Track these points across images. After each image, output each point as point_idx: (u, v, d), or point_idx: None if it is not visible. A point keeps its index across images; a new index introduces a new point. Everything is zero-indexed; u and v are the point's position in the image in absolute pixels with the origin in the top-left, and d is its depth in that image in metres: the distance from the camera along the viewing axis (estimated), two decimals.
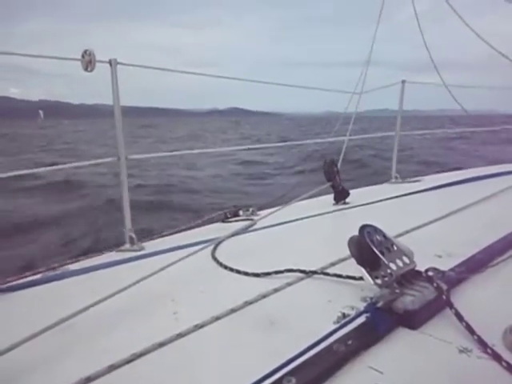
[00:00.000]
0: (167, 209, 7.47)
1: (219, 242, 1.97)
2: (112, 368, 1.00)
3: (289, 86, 3.63)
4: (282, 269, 1.55)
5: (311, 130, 35.13)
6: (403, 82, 3.63)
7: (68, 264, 1.85)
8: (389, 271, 1.22)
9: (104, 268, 1.75)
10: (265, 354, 1.05)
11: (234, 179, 11.73)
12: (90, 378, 0.96)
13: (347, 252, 1.34)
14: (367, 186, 3.66)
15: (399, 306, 1.13)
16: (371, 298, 1.16)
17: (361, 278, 1.34)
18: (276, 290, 1.42)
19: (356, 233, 1.32)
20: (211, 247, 1.89)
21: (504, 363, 0.95)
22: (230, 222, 2.54)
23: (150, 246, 2.08)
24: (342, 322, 1.11)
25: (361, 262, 1.28)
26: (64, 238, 5.63)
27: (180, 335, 1.14)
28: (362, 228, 1.31)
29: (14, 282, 1.62)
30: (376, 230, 1.32)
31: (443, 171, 5.11)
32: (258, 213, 2.65)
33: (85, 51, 1.85)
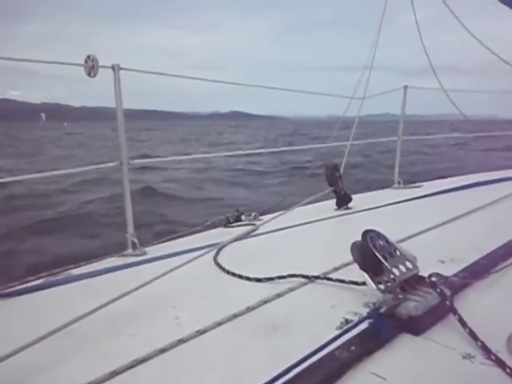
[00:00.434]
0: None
1: (221, 247, 1.97)
2: (114, 374, 1.00)
3: (292, 91, 3.62)
4: (285, 274, 1.55)
5: (306, 135, 33.84)
6: (405, 87, 3.63)
7: (70, 269, 1.85)
8: (392, 276, 1.21)
9: (106, 273, 1.75)
10: (267, 360, 1.04)
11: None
12: None
13: (350, 257, 1.33)
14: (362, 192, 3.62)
15: (402, 311, 1.12)
16: (374, 304, 1.16)
17: (364, 284, 1.33)
18: (278, 296, 1.41)
19: (359, 238, 1.31)
20: (213, 252, 1.89)
21: (508, 369, 0.95)
22: (233, 226, 2.54)
23: (153, 250, 2.08)
24: (345, 327, 1.10)
25: (363, 267, 1.28)
26: None
27: (182, 341, 1.14)
28: (365, 233, 1.31)
29: (17, 287, 1.62)
30: (379, 235, 1.32)
31: (445, 177, 5.09)
32: (261, 218, 2.65)
33: (88, 56, 1.83)
